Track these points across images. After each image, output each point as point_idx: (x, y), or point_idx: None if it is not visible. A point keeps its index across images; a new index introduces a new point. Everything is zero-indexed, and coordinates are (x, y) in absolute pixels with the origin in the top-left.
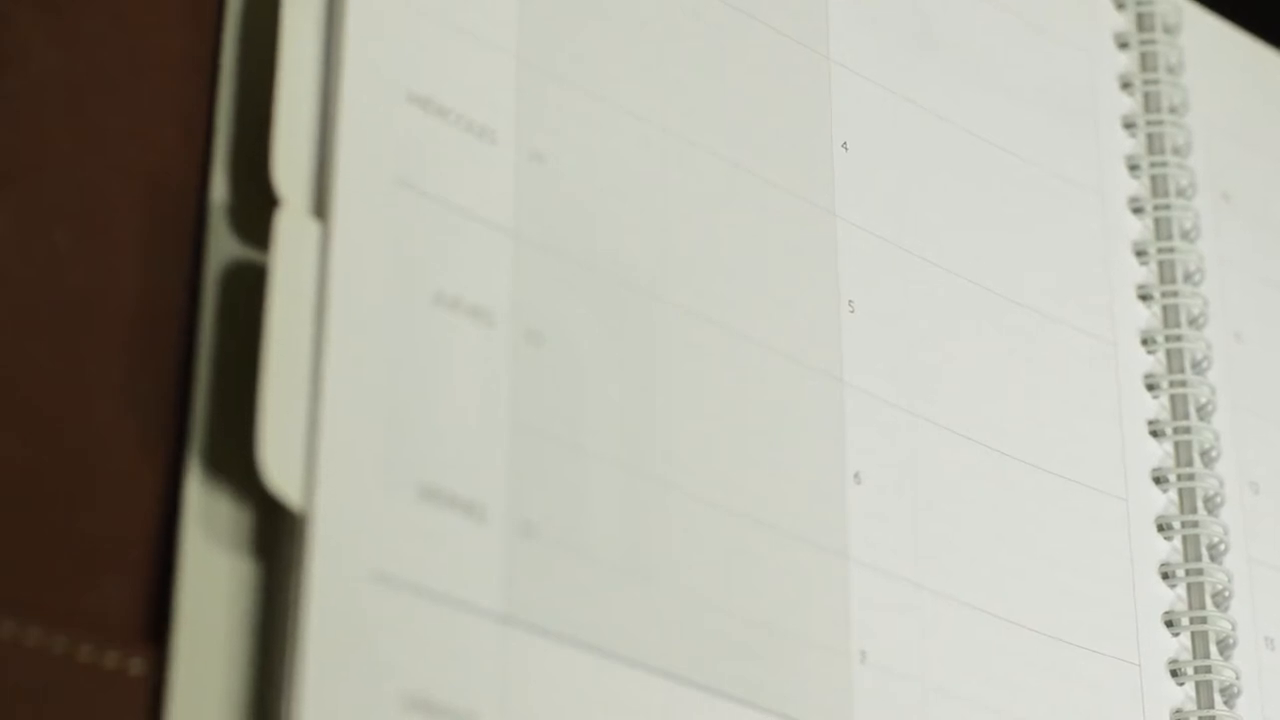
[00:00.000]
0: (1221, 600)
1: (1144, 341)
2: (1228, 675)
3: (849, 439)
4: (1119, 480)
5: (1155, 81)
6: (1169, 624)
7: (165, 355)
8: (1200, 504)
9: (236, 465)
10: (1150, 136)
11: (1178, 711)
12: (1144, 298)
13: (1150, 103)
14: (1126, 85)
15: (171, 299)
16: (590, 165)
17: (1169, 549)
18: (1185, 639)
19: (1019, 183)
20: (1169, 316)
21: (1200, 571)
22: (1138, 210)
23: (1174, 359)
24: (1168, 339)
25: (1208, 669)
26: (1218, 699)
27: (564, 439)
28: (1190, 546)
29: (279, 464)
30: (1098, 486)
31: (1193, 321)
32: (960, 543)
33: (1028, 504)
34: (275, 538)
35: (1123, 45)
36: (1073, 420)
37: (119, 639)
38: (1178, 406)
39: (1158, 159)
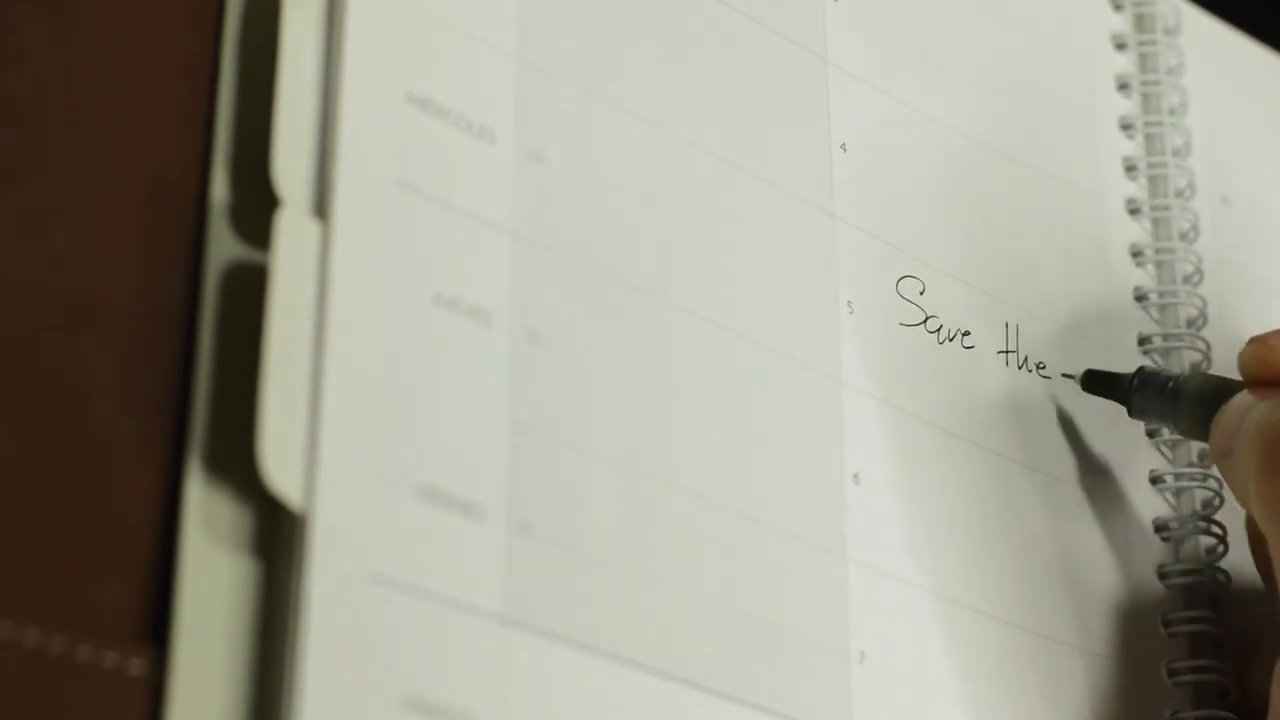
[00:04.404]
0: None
1: (1141, 343)
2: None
3: (848, 439)
4: (1118, 483)
5: (1155, 83)
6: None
7: (165, 355)
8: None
9: (236, 465)
10: (1149, 137)
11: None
12: (1141, 299)
13: (1149, 104)
14: (1123, 86)
15: (171, 299)
16: (589, 165)
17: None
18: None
19: (1015, 184)
20: (1167, 318)
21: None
22: (1135, 212)
23: (1173, 362)
24: (1165, 340)
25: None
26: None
27: (563, 439)
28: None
29: (279, 464)
30: (1090, 487)
31: (1191, 323)
32: (960, 543)
33: (1026, 506)
34: (275, 538)
35: (1120, 46)
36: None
37: (118, 639)
38: None
39: (1156, 160)
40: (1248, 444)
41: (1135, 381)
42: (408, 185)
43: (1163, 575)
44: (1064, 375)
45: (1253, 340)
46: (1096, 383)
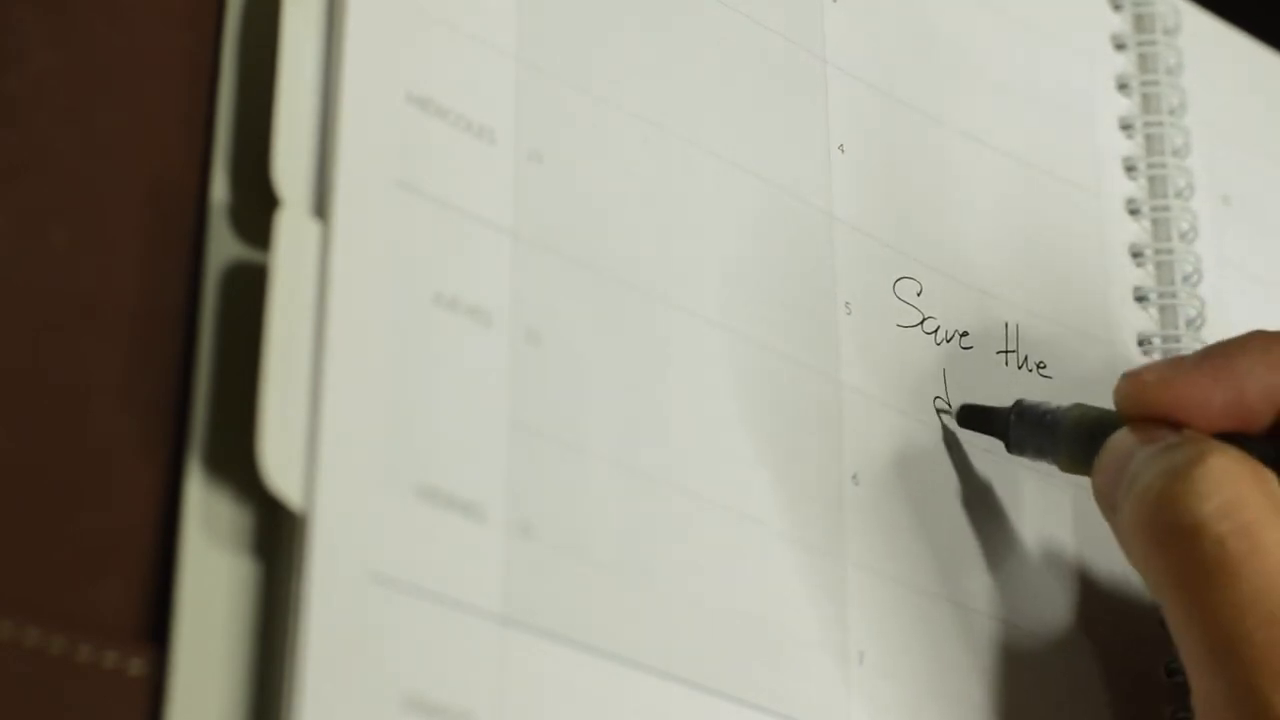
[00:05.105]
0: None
1: (1140, 343)
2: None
3: (846, 440)
4: None
5: (1154, 83)
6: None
7: (165, 355)
8: None
9: (236, 465)
10: (1149, 138)
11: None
12: (1140, 299)
13: (1149, 104)
14: (1123, 86)
15: (171, 299)
16: (589, 165)
17: None
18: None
19: (1015, 184)
20: (1166, 318)
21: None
22: (1135, 212)
23: None
24: (1165, 341)
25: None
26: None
27: (563, 439)
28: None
29: (279, 464)
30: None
31: (1190, 323)
32: (959, 543)
33: (1025, 506)
34: (275, 538)
35: (1119, 46)
36: None
37: (118, 639)
38: None
39: (1156, 160)
40: (1129, 513)
41: (1012, 416)
42: (408, 185)
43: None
44: (940, 411)
45: (1126, 375)
46: (973, 418)
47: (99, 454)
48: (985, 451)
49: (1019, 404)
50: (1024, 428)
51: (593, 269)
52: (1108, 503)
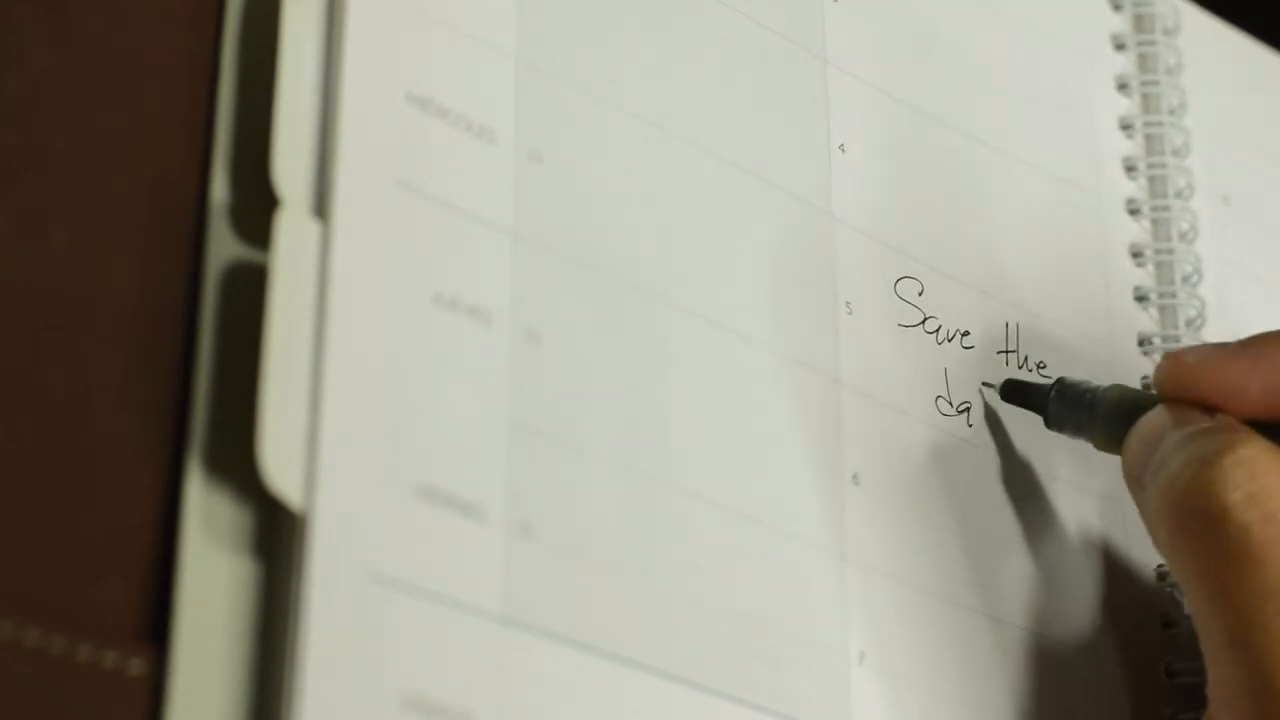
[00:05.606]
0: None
1: (1141, 343)
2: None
3: (846, 440)
4: (1117, 483)
5: (1154, 83)
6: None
7: (165, 355)
8: None
9: (236, 465)
10: (1149, 138)
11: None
12: (1141, 299)
13: (1149, 104)
14: (1123, 86)
15: (171, 299)
16: (589, 165)
17: None
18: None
19: (1015, 184)
20: (1166, 318)
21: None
22: (1134, 212)
23: None
24: (1165, 341)
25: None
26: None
27: (563, 439)
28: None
29: (279, 464)
30: (1090, 486)
31: (1190, 323)
32: (959, 543)
33: (1025, 506)
34: (275, 538)
35: (1119, 47)
36: None
37: (118, 639)
38: None
39: (1156, 160)
40: (1157, 498)
41: (1053, 392)
42: (408, 185)
43: (1162, 575)
44: (984, 385)
45: (1167, 356)
46: (1015, 393)
47: (99, 454)
48: (990, 452)
49: (1060, 381)
50: (1064, 405)
51: (593, 269)
52: (1136, 481)
